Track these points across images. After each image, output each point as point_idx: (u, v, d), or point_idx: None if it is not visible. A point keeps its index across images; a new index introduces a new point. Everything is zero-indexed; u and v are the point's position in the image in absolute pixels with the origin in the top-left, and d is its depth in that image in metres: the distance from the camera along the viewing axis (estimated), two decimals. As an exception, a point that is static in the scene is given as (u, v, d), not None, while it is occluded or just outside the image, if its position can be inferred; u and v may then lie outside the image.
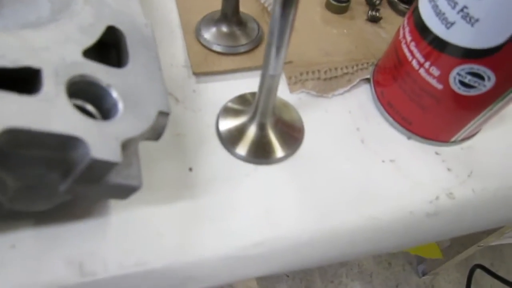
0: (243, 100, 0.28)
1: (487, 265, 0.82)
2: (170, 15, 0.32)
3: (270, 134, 0.25)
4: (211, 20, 0.30)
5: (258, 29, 0.31)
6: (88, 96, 0.18)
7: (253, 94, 0.28)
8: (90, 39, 0.19)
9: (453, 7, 0.20)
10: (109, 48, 0.23)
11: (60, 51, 0.17)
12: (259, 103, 0.24)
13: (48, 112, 0.15)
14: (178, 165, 0.24)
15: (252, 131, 0.25)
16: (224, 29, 0.30)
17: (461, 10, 0.20)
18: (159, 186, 0.23)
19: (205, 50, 0.29)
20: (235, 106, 0.27)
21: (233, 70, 0.29)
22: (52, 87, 0.16)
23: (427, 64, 0.23)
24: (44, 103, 0.15)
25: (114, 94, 0.18)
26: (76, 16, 0.20)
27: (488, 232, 0.82)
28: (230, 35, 0.30)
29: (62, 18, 0.19)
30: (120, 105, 0.18)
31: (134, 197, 0.22)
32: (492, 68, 0.21)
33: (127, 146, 0.18)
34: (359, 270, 1.09)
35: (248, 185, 0.24)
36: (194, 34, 0.30)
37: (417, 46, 0.24)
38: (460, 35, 0.21)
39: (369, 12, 0.34)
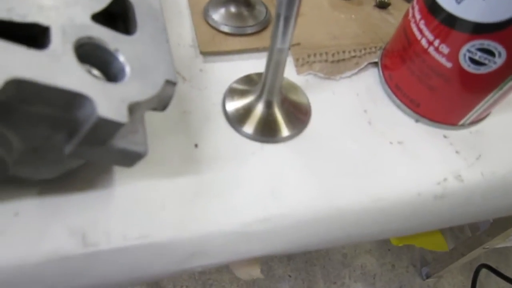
0: (249, 80, 0.27)
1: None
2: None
3: (276, 112, 0.25)
4: (219, 1, 0.30)
5: (266, 12, 0.31)
6: (95, 60, 0.18)
7: (259, 74, 0.28)
8: (99, 5, 0.19)
9: (465, -19, 0.20)
10: (117, 19, 0.23)
11: (69, 12, 0.17)
12: (267, 80, 0.24)
13: (55, 67, 0.15)
14: (184, 141, 0.24)
15: (259, 109, 0.25)
16: (232, 9, 0.30)
17: (473, -17, 0.20)
18: (164, 160, 0.23)
19: (213, 31, 0.29)
20: (241, 86, 0.27)
21: (240, 51, 0.29)
22: (60, 45, 0.16)
23: (436, 42, 0.23)
24: (52, 58, 0.15)
25: (121, 58, 0.18)
26: (85, -17, 0.20)
27: (493, 234, 0.82)
28: (238, 16, 0.29)
29: (71, -16, 0.19)
30: (127, 70, 0.18)
31: (138, 170, 0.22)
32: (503, 43, 0.21)
33: (134, 110, 0.18)
34: (362, 272, 1.08)
35: (253, 163, 0.24)
36: (202, 15, 0.30)
37: (426, 24, 0.23)
38: (470, 10, 0.21)
39: (378, -2, 0.34)
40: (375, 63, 0.30)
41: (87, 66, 0.18)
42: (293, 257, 1.08)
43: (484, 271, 0.80)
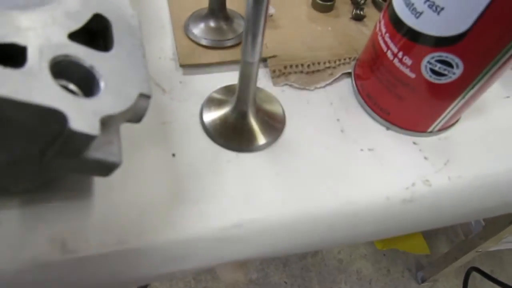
0: (227, 90, 0.29)
1: (487, 272, 0.82)
2: (161, 12, 0.33)
3: (251, 122, 0.26)
4: (199, 16, 0.31)
5: None
6: (71, 76, 0.19)
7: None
8: (76, 24, 0.20)
9: (421, -3, 0.21)
10: (95, 36, 0.24)
11: (46, 32, 0.19)
12: (240, 92, 0.25)
13: (30, 84, 0.16)
14: (161, 151, 0.25)
15: (234, 119, 0.26)
16: (212, 24, 0.31)
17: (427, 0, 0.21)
18: (142, 169, 0.24)
19: (193, 44, 0.31)
20: (219, 96, 0.28)
21: (219, 63, 0.30)
22: (36, 63, 0.17)
23: (400, 54, 0.24)
24: (27, 76, 0.16)
25: (97, 74, 0.19)
26: (63, 3, 0.21)
27: (486, 237, 0.82)
28: (217, 30, 0.31)
29: (49, 3, 0.20)
30: (102, 85, 0.19)
31: (117, 179, 0.23)
32: (459, 55, 0.22)
33: (107, 123, 0.19)
34: (358, 277, 1.09)
35: (229, 171, 0.25)
36: (183, 29, 0.31)
37: (391, 37, 0.25)
38: (428, 24, 0.22)
39: (354, 10, 0.35)
40: (349, 73, 0.31)
41: (64, 81, 0.19)
42: (289, 264, 1.09)
43: (477, 274, 0.81)
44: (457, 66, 0.22)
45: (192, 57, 0.30)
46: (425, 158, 0.27)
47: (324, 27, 0.34)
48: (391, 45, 0.25)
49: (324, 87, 0.30)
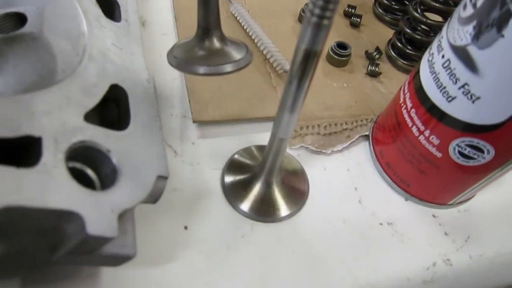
0: (249, 153, 0.28)
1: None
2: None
3: (276, 192, 0.25)
4: (187, 43, 0.30)
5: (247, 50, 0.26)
6: (87, 160, 0.18)
7: (258, 147, 0.28)
8: (93, 101, 0.19)
9: (454, 83, 0.21)
10: (110, 102, 0.23)
11: (61, 116, 0.17)
12: (267, 162, 0.24)
13: (45, 185, 0.15)
14: (173, 223, 0.24)
15: (258, 187, 0.25)
16: (207, 46, 0.26)
17: (462, 86, 0.20)
18: (152, 246, 0.23)
19: (207, 98, 0.29)
20: (242, 159, 0.27)
21: (234, 120, 0.29)
22: (51, 157, 0.16)
23: (427, 132, 0.23)
24: (42, 175, 0.15)
25: (114, 160, 0.18)
26: (79, 76, 0.19)
27: None
28: (216, 53, 0.28)
29: (65, 78, 0.19)
30: (119, 172, 0.18)
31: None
32: (491, 143, 0.21)
33: (124, 215, 0.17)
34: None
35: (245, 247, 0.24)
36: (196, 81, 0.30)
37: (417, 113, 0.24)
38: (461, 110, 0.21)
39: (369, 67, 0.34)
40: (366, 136, 0.30)
41: (80, 165, 0.18)
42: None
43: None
44: (488, 152, 0.22)
45: (206, 113, 0.29)
46: (446, 233, 0.26)
47: (339, 83, 0.33)
48: (417, 122, 0.24)
49: (341, 150, 0.29)
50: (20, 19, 0.20)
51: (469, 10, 0.20)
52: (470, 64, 0.20)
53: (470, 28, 0.19)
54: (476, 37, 0.19)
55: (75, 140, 0.17)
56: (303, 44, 0.16)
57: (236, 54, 0.23)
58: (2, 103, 0.16)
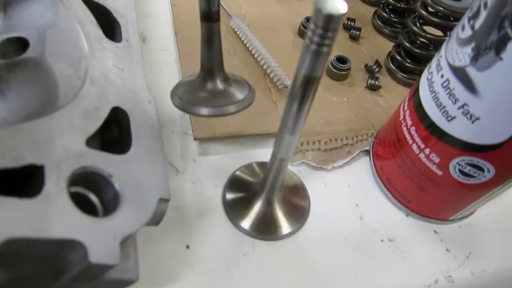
0: (251, 170, 0.28)
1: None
2: (174, 77, 0.32)
3: (277, 210, 0.25)
4: (189, 83, 0.30)
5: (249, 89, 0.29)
6: (90, 185, 0.18)
7: (260, 164, 0.28)
8: (94, 125, 0.19)
9: (454, 103, 0.21)
10: (112, 123, 0.23)
11: (63, 142, 0.17)
12: (268, 180, 0.24)
13: (48, 215, 0.15)
14: (175, 242, 0.24)
15: (259, 205, 0.25)
16: (210, 88, 0.27)
17: (462, 106, 0.20)
18: (155, 267, 0.23)
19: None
20: (243, 176, 0.27)
21: (235, 136, 0.29)
22: (54, 185, 0.16)
23: (427, 150, 0.23)
24: (45, 204, 0.15)
25: (116, 185, 0.18)
26: (81, 100, 0.20)
27: None
28: (219, 94, 0.29)
29: (67, 103, 0.19)
30: (121, 197, 0.18)
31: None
32: (492, 162, 0.21)
33: (126, 240, 0.17)
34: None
35: (246, 266, 0.24)
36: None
37: (417, 131, 0.24)
38: (461, 130, 0.21)
39: (368, 80, 0.35)
40: (366, 151, 0.30)
41: (82, 189, 0.18)
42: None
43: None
44: (489, 171, 0.22)
45: (207, 129, 0.29)
46: (447, 250, 0.26)
47: (339, 97, 0.34)
48: (418, 140, 0.24)
49: (341, 166, 0.29)
50: (22, 43, 0.20)
51: (468, 32, 0.20)
52: (469, 85, 0.20)
53: (468, 50, 0.19)
54: (475, 59, 0.19)
55: (77, 166, 0.17)
56: (302, 70, 0.16)
57: (239, 94, 0.23)
58: (5, 132, 0.16)
